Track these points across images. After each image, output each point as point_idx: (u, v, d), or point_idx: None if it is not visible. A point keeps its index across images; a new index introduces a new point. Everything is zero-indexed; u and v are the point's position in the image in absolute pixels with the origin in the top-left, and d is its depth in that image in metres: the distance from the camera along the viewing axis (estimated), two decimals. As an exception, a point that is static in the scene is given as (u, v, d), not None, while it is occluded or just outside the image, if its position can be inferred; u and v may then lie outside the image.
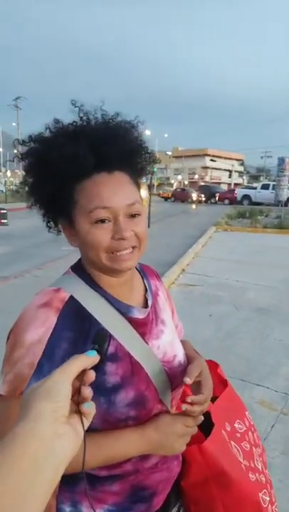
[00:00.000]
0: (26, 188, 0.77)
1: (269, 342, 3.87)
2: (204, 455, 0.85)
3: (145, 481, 0.81)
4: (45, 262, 7.28)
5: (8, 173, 70.02)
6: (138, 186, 0.78)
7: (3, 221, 12.89)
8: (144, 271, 0.92)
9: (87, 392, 0.47)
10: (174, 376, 0.82)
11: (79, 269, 0.80)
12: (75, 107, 0.76)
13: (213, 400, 0.92)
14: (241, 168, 74.86)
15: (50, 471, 0.39)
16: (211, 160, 56.29)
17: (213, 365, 1.01)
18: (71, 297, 0.74)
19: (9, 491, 0.36)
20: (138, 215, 0.74)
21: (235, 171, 67.68)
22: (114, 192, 0.71)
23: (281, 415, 2.62)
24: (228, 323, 4.32)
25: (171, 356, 0.84)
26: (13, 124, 44.94)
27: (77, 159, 0.69)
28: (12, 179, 59.13)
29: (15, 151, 0.78)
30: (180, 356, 0.86)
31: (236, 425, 0.94)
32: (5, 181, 40.63)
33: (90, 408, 0.46)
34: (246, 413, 1.02)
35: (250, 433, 0.98)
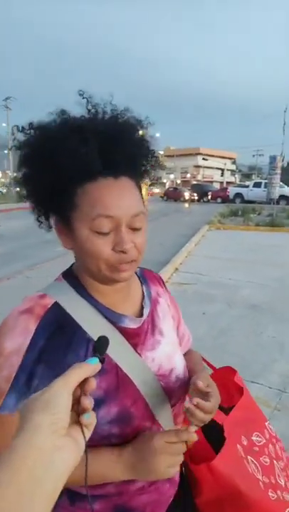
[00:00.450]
0: (19, 179, 0.71)
1: (262, 339, 3.89)
2: (214, 474, 0.77)
3: (130, 502, 0.74)
4: (38, 263, 7.24)
5: None
6: (140, 191, 0.72)
7: (-6, 222, 12.79)
8: (144, 276, 0.87)
9: (87, 402, 0.45)
10: (171, 391, 0.76)
11: (70, 276, 0.76)
12: (83, 98, 0.70)
13: (228, 410, 0.87)
14: (233, 167, 75.20)
15: (50, 484, 0.38)
16: (204, 159, 56.48)
17: (229, 372, 0.96)
18: (55, 304, 0.70)
19: (7, 506, 0.35)
20: (140, 228, 0.70)
21: (228, 170, 68.00)
22: (118, 199, 0.66)
23: (275, 411, 2.64)
24: (222, 321, 4.34)
25: (168, 370, 0.77)
26: (3, 124, 44.58)
27: (83, 159, 0.63)
28: (3, 180, 58.65)
29: (13, 140, 0.69)
30: (178, 370, 0.80)
31: (254, 438, 0.87)
32: (-4, 182, 40.28)
33: (90, 419, 0.45)
34: (266, 424, 0.94)
35: (270, 446, 0.90)
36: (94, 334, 0.69)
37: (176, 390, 0.78)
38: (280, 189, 18.88)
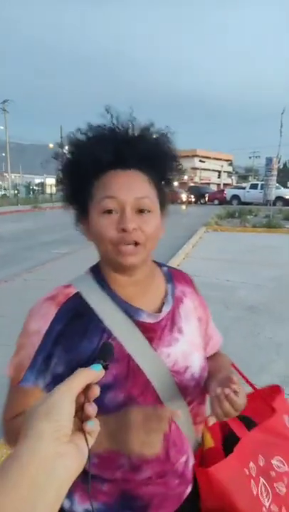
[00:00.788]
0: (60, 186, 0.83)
1: (260, 340, 3.91)
2: (212, 482, 0.77)
3: (137, 490, 0.77)
4: (36, 265, 7.23)
5: (-3, 176, 69.29)
6: (156, 188, 0.79)
7: (-8, 225, 12.75)
8: (171, 275, 0.90)
9: (91, 409, 0.45)
10: (186, 388, 0.78)
11: (95, 269, 0.83)
12: (108, 113, 0.80)
13: (253, 426, 0.85)
14: (230, 169, 75.40)
15: (53, 492, 0.38)
16: (200, 161, 56.62)
17: (274, 391, 0.93)
18: (77, 294, 0.78)
19: None
20: (147, 211, 0.74)
21: (224, 172, 68.14)
22: (123, 185, 0.73)
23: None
24: (219, 323, 4.31)
25: (183, 367, 0.79)
26: (1, 127, 44.53)
27: (97, 156, 0.74)
28: (0, 183, 58.51)
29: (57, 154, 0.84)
30: (194, 369, 0.81)
31: (274, 462, 0.82)
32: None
33: (93, 426, 0.44)
34: None
35: None
36: (110, 324, 0.75)
37: (190, 388, 0.79)
38: (276, 190, 18.95)
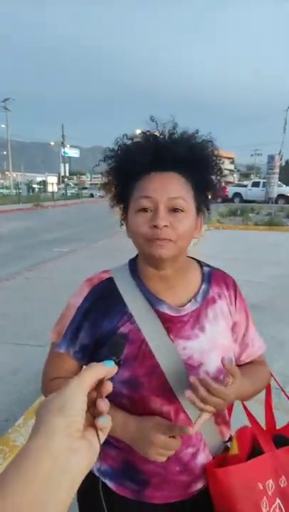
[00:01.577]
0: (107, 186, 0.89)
1: (262, 339, 3.91)
2: (218, 483, 0.78)
3: (138, 464, 0.84)
4: (37, 263, 7.23)
5: (-2, 175, 69.33)
6: (194, 189, 0.82)
7: (-7, 223, 12.76)
8: (210, 276, 0.92)
9: (103, 405, 0.45)
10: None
11: (132, 260, 0.92)
12: (153, 121, 0.86)
13: (282, 445, 0.84)
14: (232, 167, 75.24)
15: (65, 489, 0.37)
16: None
17: None
18: (110, 278, 0.88)
19: None
20: (181, 210, 0.79)
21: (226, 169, 67.91)
22: (159, 185, 0.79)
23: (275, 411, 2.65)
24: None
25: (197, 362, 0.82)
26: (3, 125, 44.54)
27: (138, 162, 0.80)
28: (2, 181, 58.57)
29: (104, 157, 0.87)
30: (209, 367, 0.82)
31: None
32: (-5, 183, 40.18)
33: (105, 423, 0.44)
34: None
35: None
36: (132, 309, 0.83)
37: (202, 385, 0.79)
38: (278, 188, 18.91)
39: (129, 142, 0.85)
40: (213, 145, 0.86)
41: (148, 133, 0.85)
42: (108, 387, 0.46)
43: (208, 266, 0.96)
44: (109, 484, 0.87)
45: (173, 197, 0.78)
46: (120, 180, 0.86)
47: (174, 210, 0.78)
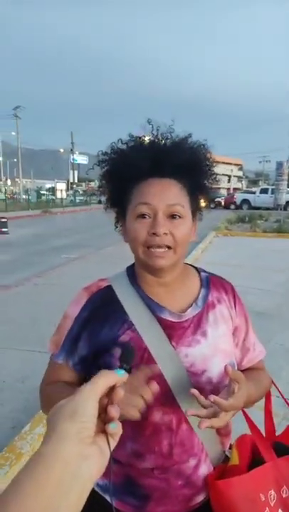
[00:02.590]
0: (101, 190, 0.89)
1: (270, 346, 3.85)
2: (219, 495, 0.77)
3: (139, 479, 0.81)
4: (46, 269, 7.28)
5: (9, 182, 70.28)
6: (190, 195, 0.83)
7: (3, 230, 12.90)
8: (209, 281, 0.92)
9: (114, 411, 0.45)
10: (201, 391, 0.78)
11: (130, 267, 0.91)
12: (149, 124, 0.86)
13: (283, 454, 0.83)
14: (240, 173, 75.13)
15: (76, 494, 0.38)
16: (212, 163, 56.39)
17: None
18: (109, 286, 0.87)
19: None
20: (179, 217, 0.79)
21: (234, 176, 67.90)
22: (157, 192, 0.79)
23: (283, 421, 2.61)
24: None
25: (200, 369, 0.81)
26: (13, 133, 45.23)
27: (136, 166, 0.80)
28: (12, 188, 59.29)
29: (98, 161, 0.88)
30: (212, 373, 0.82)
31: None
32: (5, 190, 40.72)
33: (115, 429, 0.45)
34: None
35: None
36: (132, 317, 0.82)
37: (207, 392, 0.78)
38: (287, 195, 18.81)
39: (124, 147, 0.84)
40: (207, 149, 0.87)
41: (145, 137, 0.85)
42: (119, 394, 0.46)
43: (205, 272, 0.95)
44: (110, 499, 0.85)
45: (171, 204, 0.78)
46: (116, 184, 0.85)
47: (172, 216, 0.79)
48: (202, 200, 0.89)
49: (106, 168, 0.86)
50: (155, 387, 0.68)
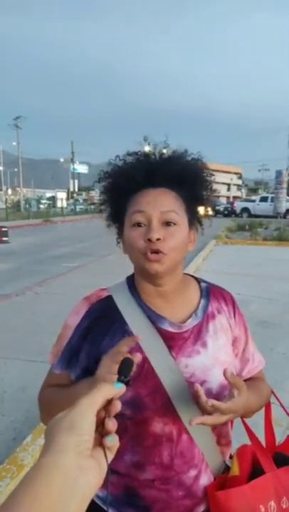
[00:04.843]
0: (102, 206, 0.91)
1: (273, 356, 3.83)
2: (219, 506, 0.76)
3: (139, 490, 0.81)
4: (46, 278, 7.28)
5: (9, 191, 70.64)
6: (185, 204, 0.85)
7: (4, 239, 12.92)
8: (209, 291, 0.92)
9: (111, 424, 0.45)
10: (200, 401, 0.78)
11: (130, 277, 0.92)
12: (145, 141, 0.93)
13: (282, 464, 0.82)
14: (239, 182, 75.50)
15: (74, 507, 0.37)
16: (208, 173, 56.74)
17: None
18: (109, 297, 0.87)
19: None
20: (173, 224, 0.80)
21: (234, 185, 68.22)
22: (151, 200, 0.81)
23: (288, 431, 2.58)
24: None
25: (200, 380, 0.81)
26: (14, 143, 45.61)
27: (132, 179, 0.83)
28: (13, 197, 59.56)
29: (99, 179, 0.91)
30: (211, 384, 0.82)
31: None
32: (5, 199, 40.89)
33: (113, 442, 0.45)
34: None
35: None
36: (132, 327, 0.82)
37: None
38: (286, 203, 18.89)
39: (121, 163, 0.88)
40: (202, 162, 0.89)
41: (140, 153, 0.88)
42: (117, 407, 0.46)
43: (205, 282, 0.96)
44: (110, 511, 0.84)
45: (165, 210, 0.80)
46: (114, 198, 0.88)
47: (167, 223, 0.80)
48: (202, 210, 0.90)
49: (104, 185, 0.89)
50: (138, 357, 0.67)
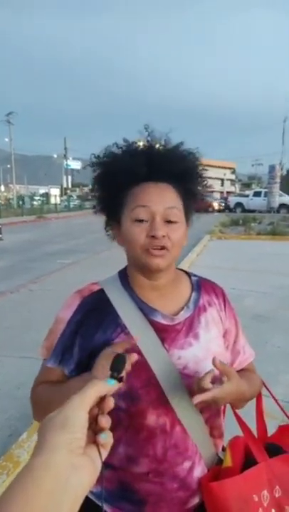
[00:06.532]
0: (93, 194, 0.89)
1: (267, 349, 3.86)
2: (213, 497, 0.77)
3: (133, 484, 0.81)
4: (41, 275, 7.25)
5: (2, 188, 70.02)
6: (183, 200, 0.85)
7: (-3, 236, 12.82)
8: (199, 285, 0.93)
9: (104, 421, 0.45)
10: (192, 393, 0.78)
11: (123, 270, 0.91)
12: (146, 131, 0.89)
13: (278, 454, 0.83)
14: (233, 177, 75.61)
15: (67, 505, 0.37)
16: (203, 169, 56.85)
17: None
18: (101, 290, 0.87)
19: None
20: (175, 222, 0.81)
21: (227, 180, 68.33)
22: (155, 196, 0.80)
23: (282, 424, 2.60)
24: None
25: (193, 371, 0.82)
26: (6, 139, 45.15)
27: (131, 170, 0.81)
28: (6, 193, 59.07)
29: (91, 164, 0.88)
30: None
31: None
32: (-1, 196, 40.51)
33: (106, 439, 0.44)
34: None
35: None
36: (125, 320, 0.82)
37: (200, 394, 0.78)
38: (280, 198, 18.97)
39: (119, 151, 0.86)
40: (199, 157, 0.89)
41: (140, 142, 0.87)
42: (110, 404, 0.46)
43: (196, 276, 0.97)
44: (105, 507, 0.84)
45: (168, 207, 0.80)
46: (109, 187, 0.86)
47: (169, 220, 0.80)
48: (195, 205, 0.91)
49: (99, 172, 0.86)
50: (134, 357, 0.69)
